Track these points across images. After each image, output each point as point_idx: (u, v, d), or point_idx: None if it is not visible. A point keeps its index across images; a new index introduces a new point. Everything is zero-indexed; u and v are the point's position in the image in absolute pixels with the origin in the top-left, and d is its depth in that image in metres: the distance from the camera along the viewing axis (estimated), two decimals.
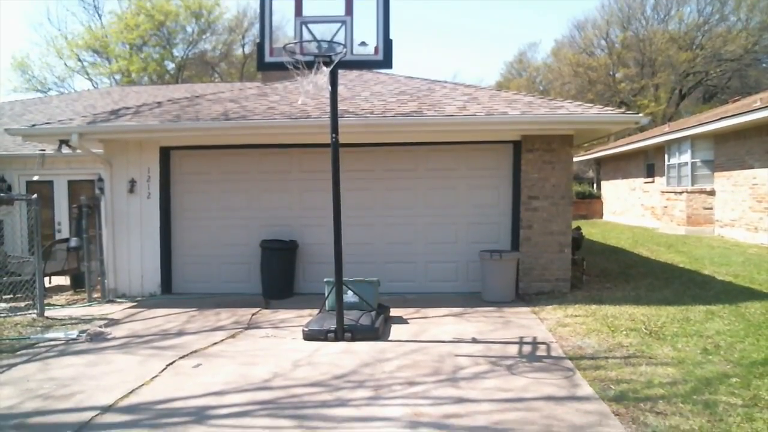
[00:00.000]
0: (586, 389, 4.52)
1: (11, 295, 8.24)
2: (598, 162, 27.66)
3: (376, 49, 6.09)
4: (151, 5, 34.06)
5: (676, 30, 35.72)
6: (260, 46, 6.20)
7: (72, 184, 12.24)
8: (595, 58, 38.08)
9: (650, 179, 20.46)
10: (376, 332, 6.14)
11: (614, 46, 37.60)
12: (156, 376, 5.05)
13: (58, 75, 36.29)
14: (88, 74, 36.11)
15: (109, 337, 6.42)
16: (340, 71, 6.30)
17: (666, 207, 17.88)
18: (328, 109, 6.37)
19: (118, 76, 35.13)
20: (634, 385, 4.53)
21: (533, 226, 8.41)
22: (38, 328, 6.93)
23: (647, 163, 20.94)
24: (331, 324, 6.14)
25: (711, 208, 16.02)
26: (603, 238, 16.23)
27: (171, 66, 37.34)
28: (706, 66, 34.54)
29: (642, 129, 20.33)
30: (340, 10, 6.07)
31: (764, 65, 35.46)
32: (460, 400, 4.35)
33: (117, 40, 34.53)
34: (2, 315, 7.58)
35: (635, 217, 21.79)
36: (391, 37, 6.03)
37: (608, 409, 4.09)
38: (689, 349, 5.45)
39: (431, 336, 6.22)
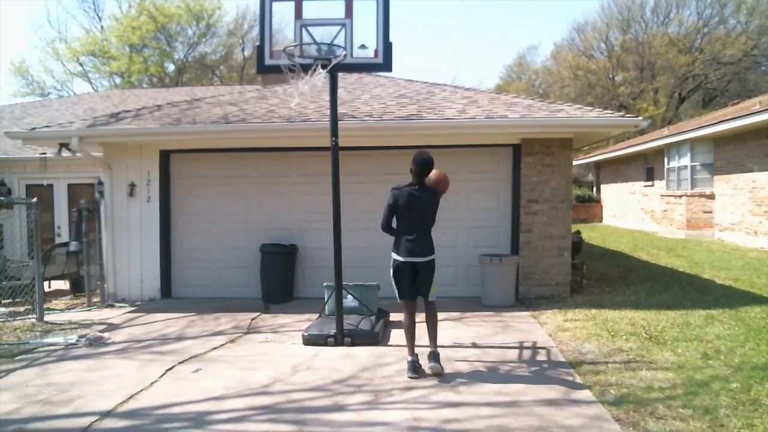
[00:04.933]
0: (585, 394, 4.51)
1: (10, 300, 8.24)
2: (598, 165, 27.67)
3: (376, 52, 6.07)
4: (153, 7, 34.08)
5: (675, 33, 35.76)
6: (260, 49, 6.17)
7: (72, 188, 12.20)
8: (595, 61, 38.09)
9: (650, 183, 20.45)
10: (375, 337, 6.14)
11: (614, 49, 37.64)
12: (155, 381, 5.03)
13: (58, 78, 36.37)
14: (88, 77, 36.18)
15: (108, 342, 6.40)
16: (339, 74, 6.28)
17: (666, 211, 17.88)
18: (328, 112, 6.37)
19: (118, 79, 35.13)
20: (634, 390, 4.52)
21: (533, 229, 8.40)
22: (37, 333, 6.91)
23: (647, 167, 20.94)
24: (331, 329, 6.13)
25: (711, 212, 16.01)
26: (603, 242, 16.22)
27: (171, 68, 37.38)
28: (706, 69, 34.52)
29: (641, 132, 20.36)
30: (339, 13, 6.06)
31: (763, 68, 35.50)
32: (460, 405, 4.34)
33: (117, 43, 34.52)
34: (1, 319, 7.56)
35: (635, 220, 21.78)
36: (391, 40, 6.01)
37: (608, 414, 4.08)
38: (689, 353, 5.44)
39: None
